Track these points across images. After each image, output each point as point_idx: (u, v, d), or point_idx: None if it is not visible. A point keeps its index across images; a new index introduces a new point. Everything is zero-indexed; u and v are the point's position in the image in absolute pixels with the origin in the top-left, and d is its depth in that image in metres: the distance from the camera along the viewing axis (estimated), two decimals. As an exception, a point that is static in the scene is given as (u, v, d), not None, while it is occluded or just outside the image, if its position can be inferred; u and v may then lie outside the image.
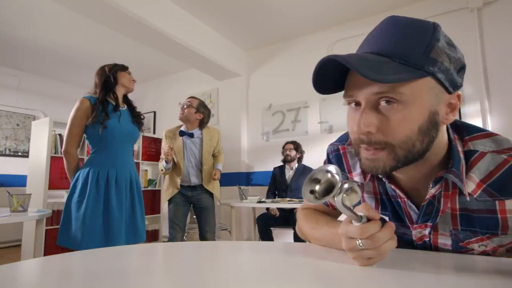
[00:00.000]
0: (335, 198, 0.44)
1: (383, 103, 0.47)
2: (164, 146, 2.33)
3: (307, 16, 3.31)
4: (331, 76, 0.52)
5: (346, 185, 0.44)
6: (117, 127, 1.73)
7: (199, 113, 2.38)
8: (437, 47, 0.47)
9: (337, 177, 0.45)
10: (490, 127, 2.64)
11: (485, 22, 2.73)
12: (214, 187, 2.43)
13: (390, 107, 0.47)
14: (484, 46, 2.72)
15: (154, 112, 5.01)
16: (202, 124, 2.42)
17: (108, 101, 1.77)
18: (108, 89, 1.78)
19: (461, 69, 0.51)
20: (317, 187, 0.46)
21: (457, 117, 0.56)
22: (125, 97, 1.91)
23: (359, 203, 0.50)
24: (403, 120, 0.47)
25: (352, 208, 0.47)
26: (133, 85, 1.91)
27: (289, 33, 3.68)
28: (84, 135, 1.75)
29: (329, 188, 0.45)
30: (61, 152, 3.09)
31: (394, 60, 0.46)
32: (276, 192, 3.21)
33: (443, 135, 0.53)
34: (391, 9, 3.14)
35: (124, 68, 1.88)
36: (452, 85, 0.49)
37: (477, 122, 2.68)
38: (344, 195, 0.44)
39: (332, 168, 0.46)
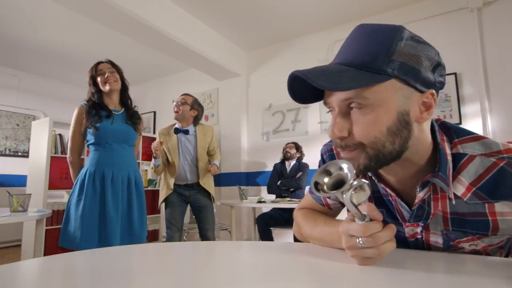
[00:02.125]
0: (344, 195, 0.45)
1: (354, 108, 0.50)
2: (154, 143, 2.31)
3: (307, 16, 3.31)
4: (307, 88, 0.53)
5: (355, 183, 0.45)
6: (109, 128, 1.73)
7: (194, 110, 2.39)
8: (398, 49, 0.47)
9: (349, 173, 0.45)
10: (490, 127, 2.64)
11: (485, 22, 2.73)
12: (210, 185, 2.43)
13: (359, 111, 0.49)
14: (484, 46, 2.72)
15: (154, 112, 5.01)
16: (196, 121, 2.43)
17: (101, 105, 1.77)
18: (94, 102, 1.76)
19: (437, 66, 0.51)
20: (326, 179, 0.48)
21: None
22: (122, 97, 1.88)
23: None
24: (371, 123, 0.49)
25: (358, 206, 0.47)
26: (110, 84, 1.76)
27: (289, 33, 3.68)
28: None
29: (338, 183, 0.46)
30: (61, 152, 3.11)
31: (355, 68, 0.49)
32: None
33: (424, 135, 0.53)
34: (390, 9, 3.14)
35: (95, 71, 1.78)
36: (424, 84, 0.49)
37: (477, 122, 2.69)
38: (353, 192, 0.45)
39: (345, 164, 0.47)
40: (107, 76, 1.76)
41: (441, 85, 0.53)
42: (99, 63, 1.82)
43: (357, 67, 0.49)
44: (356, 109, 0.50)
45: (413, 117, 0.50)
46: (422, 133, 0.52)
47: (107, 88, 1.76)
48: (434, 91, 0.50)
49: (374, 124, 0.49)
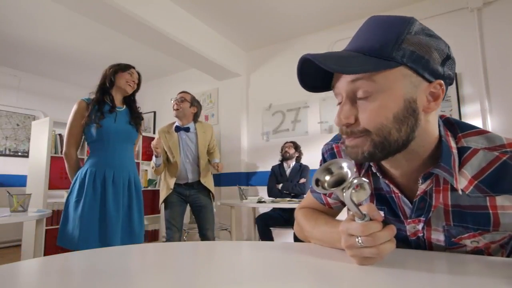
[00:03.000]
0: (344, 193, 0.45)
1: (360, 95, 0.50)
2: (154, 141, 2.31)
3: (307, 16, 3.31)
4: (317, 75, 0.54)
5: (356, 181, 0.45)
6: (112, 127, 1.73)
7: (194, 107, 2.41)
8: (409, 38, 0.48)
9: (349, 171, 0.46)
10: (490, 127, 2.64)
11: (485, 22, 2.73)
12: (210, 183, 2.42)
13: (366, 97, 0.50)
14: (484, 46, 2.72)
15: (154, 112, 5.01)
16: (196, 118, 2.45)
17: (105, 101, 1.78)
18: (104, 91, 1.79)
19: (447, 59, 0.51)
20: (327, 178, 0.48)
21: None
22: (127, 97, 1.90)
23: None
24: (378, 109, 0.49)
25: (358, 205, 0.47)
26: (130, 88, 1.85)
27: (289, 33, 3.68)
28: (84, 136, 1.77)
29: (340, 181, 0.47)
30: (61, 152, 3.11)
31: (364, 54, 0.49)
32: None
33: (430, 127, 0.53)
34: (390, 9, 3.14)
35: (125, 68, 1.85)
36: (433, 75, 0.50)
37: (477, 122, 2.68)
38: (353, 191, 0.45)
39: (346, 163, 0.48)
40: (132, 80, 1.87)
41: (450, 79, 0.53)
42: (133, 67, 1.92)
43: (366, 53, 0.49)
44: (363, 96, 0.50)
45: (420, 106, 0.50)
46: (429, 125, 0.53)
47: (123, 85, 1.82)
48: (442, 81, 0.51)
49: (381, 111, 0.49)
